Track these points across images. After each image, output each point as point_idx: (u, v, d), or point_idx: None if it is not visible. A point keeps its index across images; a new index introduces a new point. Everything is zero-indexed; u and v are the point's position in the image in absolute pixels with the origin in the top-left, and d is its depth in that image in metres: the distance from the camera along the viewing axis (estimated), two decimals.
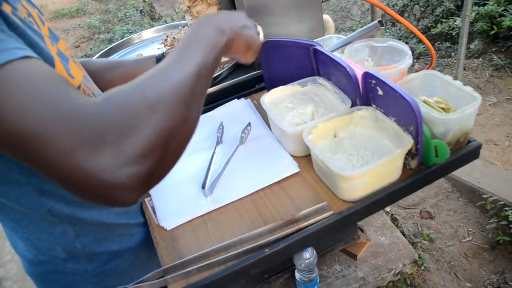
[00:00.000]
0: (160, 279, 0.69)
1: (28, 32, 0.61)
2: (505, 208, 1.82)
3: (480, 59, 3.39)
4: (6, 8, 0.59)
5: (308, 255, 0.98)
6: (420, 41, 3.97)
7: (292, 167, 0.88)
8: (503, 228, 1.81)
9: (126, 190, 0.45)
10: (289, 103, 0.97)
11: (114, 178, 0.44)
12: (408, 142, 0.74)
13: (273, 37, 1.03)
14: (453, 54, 3.54)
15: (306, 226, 0.73)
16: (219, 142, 0.99)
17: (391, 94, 0.75)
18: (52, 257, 0.78)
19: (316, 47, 0.93)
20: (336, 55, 0.90)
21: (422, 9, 4.27)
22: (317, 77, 0.97)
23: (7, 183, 0.66)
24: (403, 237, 1.74)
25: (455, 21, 3.51)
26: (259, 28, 0.87)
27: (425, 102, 0.81)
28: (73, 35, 5.37)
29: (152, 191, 0.90)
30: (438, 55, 3.73)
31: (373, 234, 1.77)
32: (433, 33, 3.83)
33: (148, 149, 0.47)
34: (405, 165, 0.80)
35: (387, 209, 2.11)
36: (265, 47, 1.04)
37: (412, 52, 3.89)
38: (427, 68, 1.21)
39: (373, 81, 0.79)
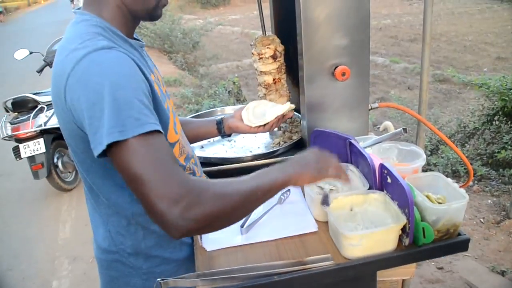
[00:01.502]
0: (193, 279, 0.93)
1: (159, 95, 0.96)
2: None
3: None
4: (152, 77, 0.96)
5: None
6: (484, 164, 4.04)
7: (312, 227, 1.10)
8: None
9: (178, 231, 0.78)
10: None
11: (174, 223, 0.77)
12: (402, 220, 0.94)
13: (323, 128, 1.33)
14: None
15: (310, 268, 0.94)
16: None
17: (395, 182, 0.98)
18: (121, 249, 1.06)
19: (351, 141, 1.19)
20: (365, 150, 1.15)
21: (493, 134, 4.36)
22: (349, 164, 1.22)
23: (115, 185, 0.97)
24: None
25: None
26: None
27: (427, 197, 1.02)
28: None
29: None
30: (500, 180, 3.75)
31: None
32: (498, 158, 3.89)
33: (201, 218, 0.79)
34: (401, 241, 0.99)
35: None
36: (314, 134, 1.33)
37: (474, 174, 3.95)
38: (462, 186, 1.38)
39: (385, 171, 1.03)
